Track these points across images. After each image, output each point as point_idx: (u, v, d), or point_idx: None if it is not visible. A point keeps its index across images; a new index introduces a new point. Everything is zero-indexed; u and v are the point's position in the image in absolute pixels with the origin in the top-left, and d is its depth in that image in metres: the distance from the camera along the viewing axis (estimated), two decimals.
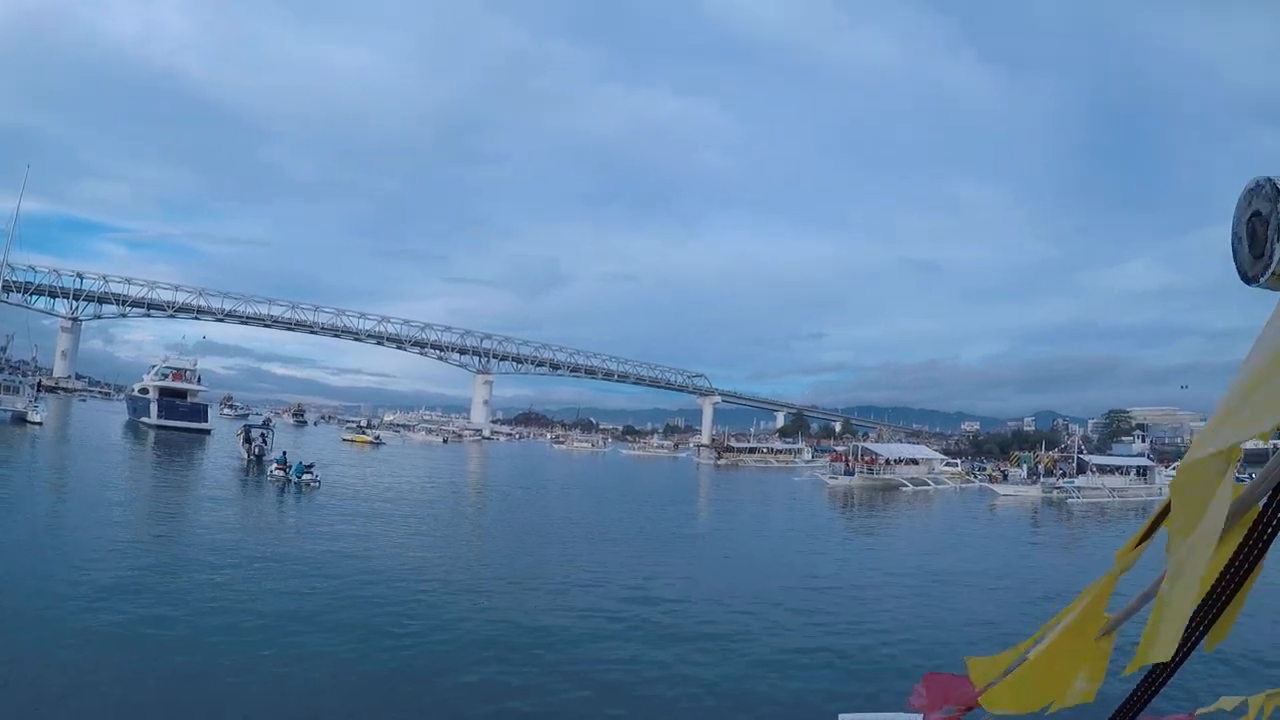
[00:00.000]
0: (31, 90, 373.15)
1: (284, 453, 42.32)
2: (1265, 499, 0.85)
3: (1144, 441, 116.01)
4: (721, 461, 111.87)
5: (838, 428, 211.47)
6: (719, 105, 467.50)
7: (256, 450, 45.83)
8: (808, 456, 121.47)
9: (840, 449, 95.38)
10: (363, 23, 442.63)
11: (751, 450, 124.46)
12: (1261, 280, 0.87)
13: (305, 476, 37.55)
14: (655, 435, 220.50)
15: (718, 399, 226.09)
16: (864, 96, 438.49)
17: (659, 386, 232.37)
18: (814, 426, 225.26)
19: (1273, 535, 0.86)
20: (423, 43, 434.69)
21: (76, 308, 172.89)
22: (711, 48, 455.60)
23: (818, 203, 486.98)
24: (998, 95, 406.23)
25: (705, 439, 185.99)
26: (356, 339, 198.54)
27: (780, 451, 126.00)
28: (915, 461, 76.97)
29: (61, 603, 14.10)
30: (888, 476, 69.92)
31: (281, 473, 38.37)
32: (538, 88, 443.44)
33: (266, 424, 72.10)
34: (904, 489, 65.74)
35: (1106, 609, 1.28)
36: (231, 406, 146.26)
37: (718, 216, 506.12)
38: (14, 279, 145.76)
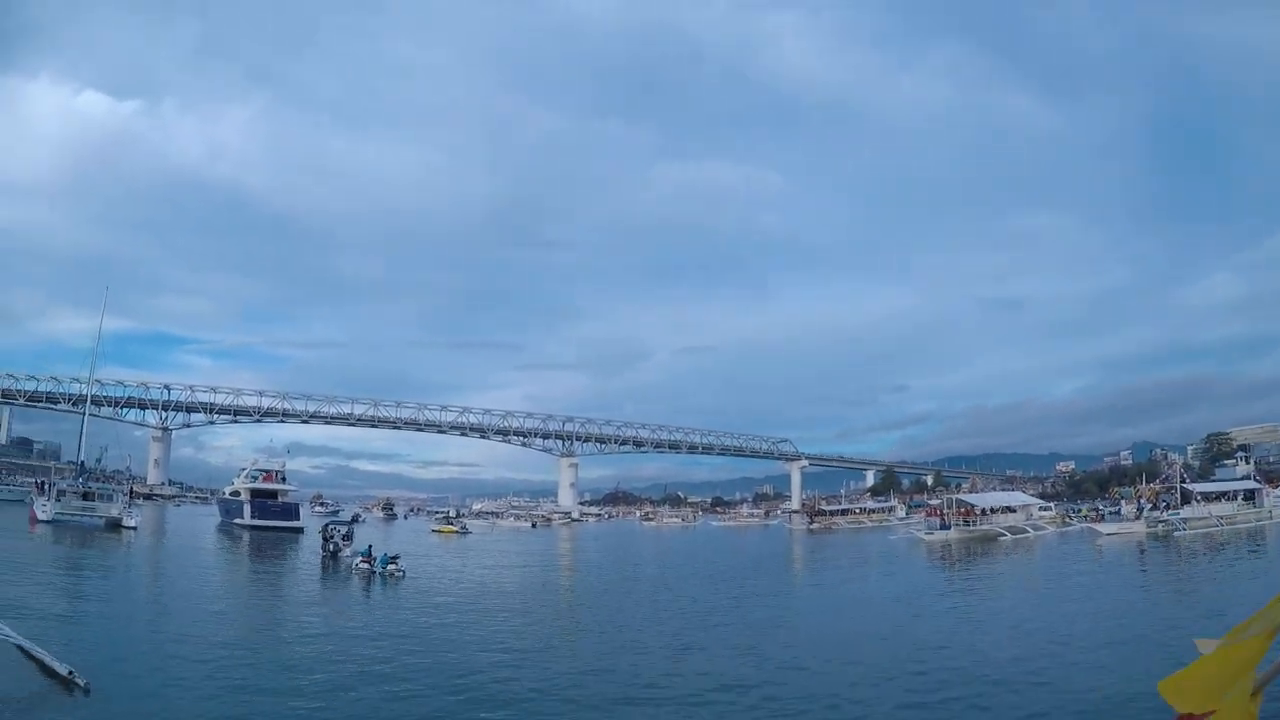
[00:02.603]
0: (108, 216, 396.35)
1: (369, 546, 43.36)
2: None
3: (1248, 463, 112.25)
4: (814, 526, 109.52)
5: (929, 481, 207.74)
6: (774, 168, 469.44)
7: (332, 547, 46.81)
8: (901, 514, 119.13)
9: (934, 503, 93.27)
10: (414, 125, 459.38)
11: (844, 512, 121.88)
12: None
13: (390, 567, 38.23)
14: (745, 505, 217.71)
15: (805, 463, 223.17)
16: (918, 140, 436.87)
17: (744, 455, 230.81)
18: (905, 482, 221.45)
19: None
20: (475, 136, 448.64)
21: (166, 418, 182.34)
22: (760, 112, 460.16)
23: (885, 253, 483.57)
24: (1054, 120, 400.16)
25: (795, 504, 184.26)
26: (440, 431, 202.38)
27: (873, 511, 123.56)
28: (1012, 509, 75.26)
29: (154, 698, 14.84)
30: (985, 527, 68.59)
31: (367, 565, 39.15)
32: (595, 170, 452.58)
33: (355, 519, 73.92)
34: (1003, 539, 64.40)
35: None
36: (322, 504, 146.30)
37: (787, 279, 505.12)
38: (104, 394, 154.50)
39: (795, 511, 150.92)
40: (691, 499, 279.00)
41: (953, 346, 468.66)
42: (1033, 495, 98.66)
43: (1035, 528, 71.42)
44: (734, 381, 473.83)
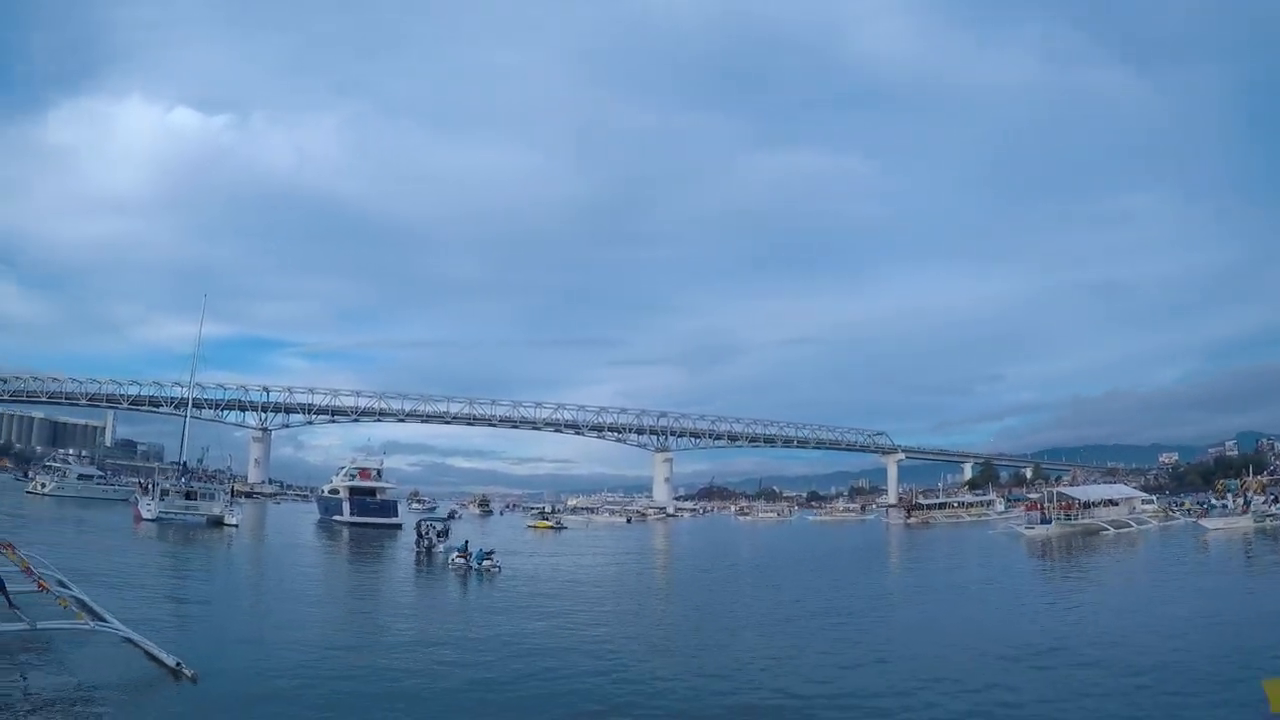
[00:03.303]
0: (205, 226, 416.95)
1: (465, 541, 44.02)
2: None
3: None
4: (911, 520, 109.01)
5: (1028, 474, 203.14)
6: (866, 154, 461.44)
7: (426, 543, 47.45)
8: (1000, 507, 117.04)
9: (1033, 496, 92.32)
10: (503, 127, 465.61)
11: (941, 506, 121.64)
12: None
13: (485, 563, 38.80)
14: (840, 499, 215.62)
15: (901, 456, 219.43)
16: (1009, 119, 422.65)
17: (840, 448, 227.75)
18: (1003, 475, 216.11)
19: None
20: (563, 136, 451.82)
21: (265, 419, 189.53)
22: (849, 97, 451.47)
23: (980, 237, 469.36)
24: (1151, 93, 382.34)
25: (892, 498, 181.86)
26: (535, 428, 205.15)
27: (971, 505, 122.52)
28: (1114, 502, 74.37)
29: (258, 688, 15.44)
30: (1086, 521, 67.82)
31: (463, 560, 39.58)
32: (685, 163, 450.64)
33: (452, 515, 75.89)
34: (1104, 533, 63.77)
35: None
36: (420, 501, 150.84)
37: (882, 267, 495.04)
38: (204, 397, 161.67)
39: (892, 506, 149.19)
40: (786, 493, 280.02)
41: (1050, 333, 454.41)
42: (1135, 488, 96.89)
43: (1138, 522, 70.53)
44: (829, 373, 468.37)
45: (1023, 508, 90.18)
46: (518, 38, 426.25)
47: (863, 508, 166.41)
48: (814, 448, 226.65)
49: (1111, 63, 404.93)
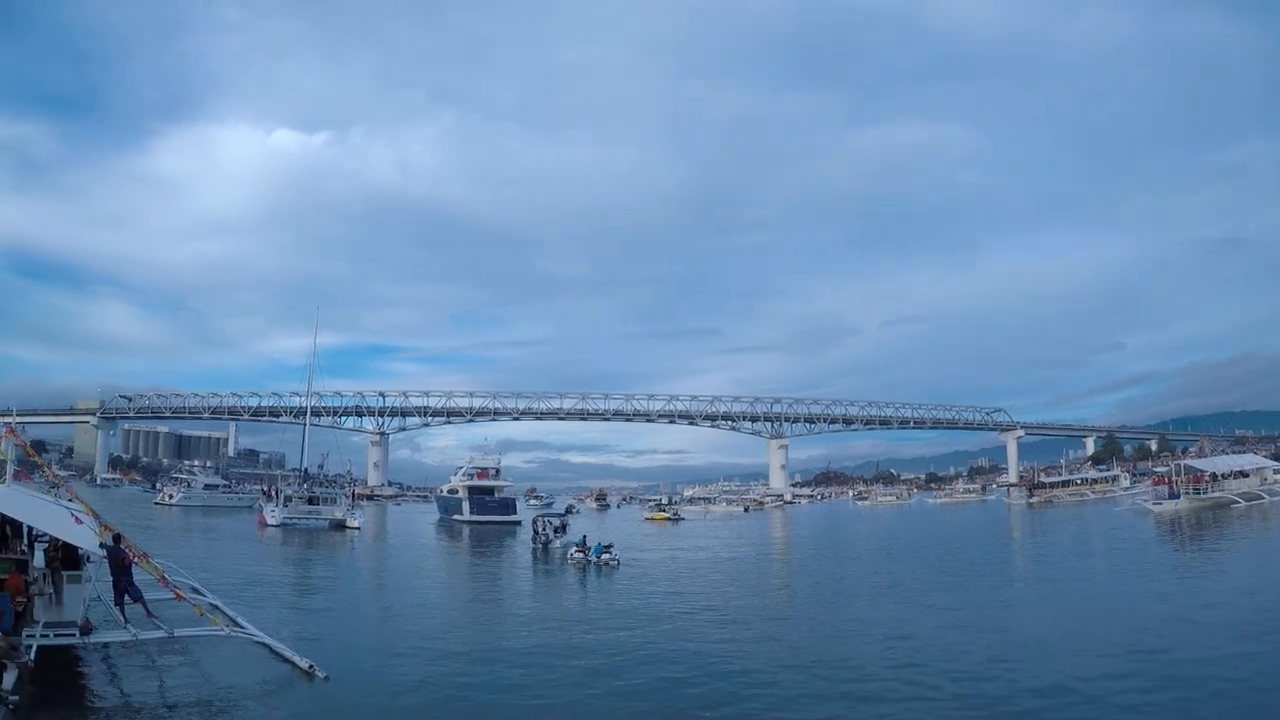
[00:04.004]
0: (313, 240, 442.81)
1: (583, 536, 44.49)
2: None
3: None
4: (1033, 500, 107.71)
5: (1153, 446, 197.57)
6: (966, 123, 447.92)
7: (543, 539, 48.09)
8: (1125, 483, 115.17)
9: (1160, 470, 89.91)
10: (598, 123, 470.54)
11: (1064, 483, 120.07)
12: None
13: (604, 556, 38.98)
14: (959, 480, 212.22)
15: (1020, 432, 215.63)
16: (1109, 76, 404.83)
17: (957, 427, 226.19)
18: (1127, 449, 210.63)
19: None
20: (659, 127, 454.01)
21: (382, 423, 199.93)
22: (944, 66, 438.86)
23: (1090, 202, 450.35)
24: (1253, 36, 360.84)
25: (1012, 477, 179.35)
26: (648, 420, 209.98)
27: (1095, 481, 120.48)
28: (1244, 473, 72.66)
29: (389, 688, 15.78)
30: (1216, 494, 66.93)
31: (581, 554, 40.08)
32: (782, 146, 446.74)
33: (570, 510, 77.99)
34: (1236, 506, 63.28)
35: None
36: (537, 497, 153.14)
37: (991, 238, 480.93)
38: (322, 405, 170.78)
39: (1013, 485, 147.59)
40: (904, 476, 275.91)
41: (1170, 297, 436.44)
42: (1266, 457, 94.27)
43: (1270, 493, 69.11)
44: (942, 350, 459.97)
45: (1149, 482, 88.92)
46: (603, 34, 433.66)
47: (983, 488, 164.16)
48: (930, 428, 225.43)
49: (1209, 8, 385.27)
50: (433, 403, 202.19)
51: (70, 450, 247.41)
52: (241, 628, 17.59)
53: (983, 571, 36.25)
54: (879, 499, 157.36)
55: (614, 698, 15.08)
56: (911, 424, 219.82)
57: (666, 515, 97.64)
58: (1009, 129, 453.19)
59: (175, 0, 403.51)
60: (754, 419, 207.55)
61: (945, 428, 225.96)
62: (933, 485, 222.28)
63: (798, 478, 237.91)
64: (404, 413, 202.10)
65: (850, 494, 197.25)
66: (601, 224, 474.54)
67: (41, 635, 14.49)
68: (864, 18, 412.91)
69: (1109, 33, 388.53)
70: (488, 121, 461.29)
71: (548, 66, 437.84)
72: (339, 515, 69.16)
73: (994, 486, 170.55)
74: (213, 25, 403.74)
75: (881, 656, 18.36)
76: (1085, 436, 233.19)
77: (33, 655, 13.32)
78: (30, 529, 17.98)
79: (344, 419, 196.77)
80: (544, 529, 49.87)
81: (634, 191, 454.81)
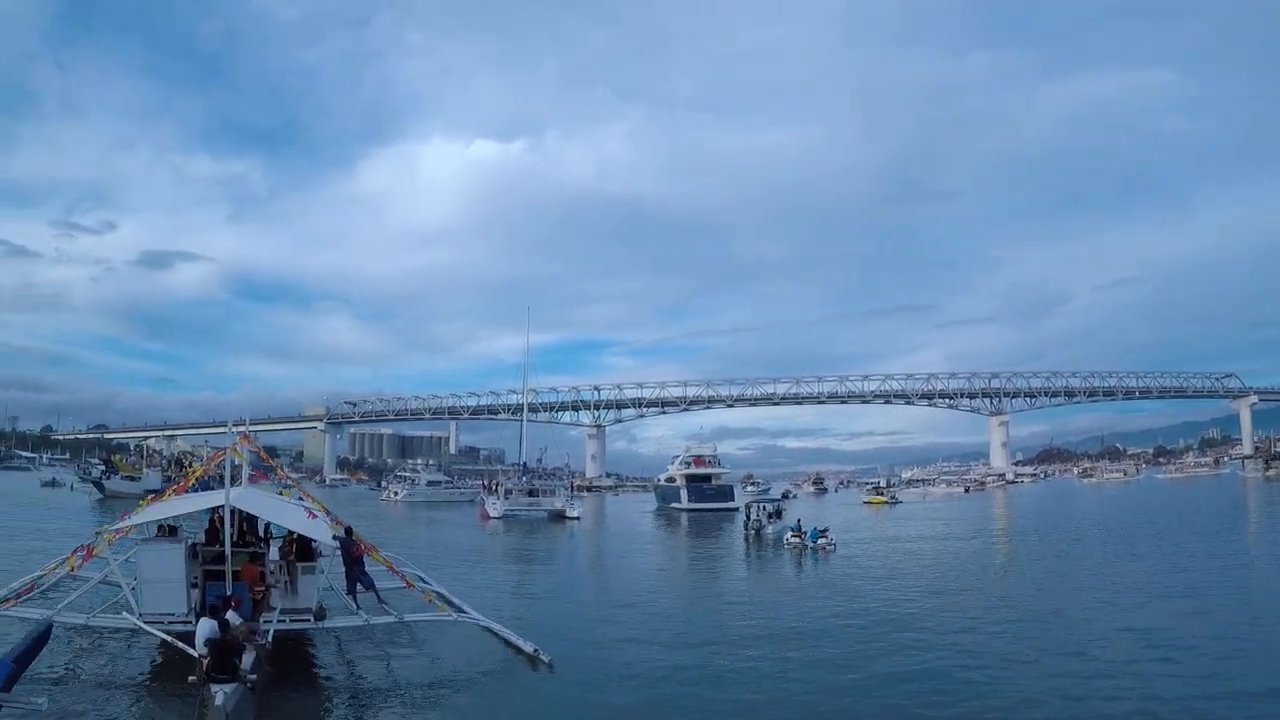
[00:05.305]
0: (520, 243, 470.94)
1: (799, 520, 44.53)
2: None
3: None
4: (1271, 473, 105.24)
5: None
6: (1166, 65, 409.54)
7: (756, 525, 47.90)
8: None
9: None
10: (784, 104, 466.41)
11: None
12: None
13: (820, 541, 38.67)
14: (1190, 452, 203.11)
15: (1254, 399, 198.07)
16: None
17: (1185, 396, 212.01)
18: None
19: None
20: (845, 102, 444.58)
21: (597, 416, 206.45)
22: (1138, 6, 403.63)
23: None
24: None
25: (1247, 448, 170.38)
26: (864, 401, 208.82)
27: None
28: None
29: (612, 673, 15.83)
30: None
31: (797, 539, 39.96)
32: (973, 108, 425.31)
33: (786, 496, 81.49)
34: None
35: None
36: (753, 484, 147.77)
37: (1203, 187, 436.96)
38: (538, 401, 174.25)
39: (1248, 457, 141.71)
40: (1131, 450, 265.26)
41: None
42: None
43: None
44: (1165, 313, 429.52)
45: None
46: (777, 13, 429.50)
47: (1216, 461, 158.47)
48: (1156, 397, 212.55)
49: None
50: (646, 394, 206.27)
51: (300, 454, 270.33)
52: (467, 613, 17.85)
53: (1217, 552, 34.68)
54: (1105, 475, 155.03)
55: (829, 695, 14.31)
56: (1136, 394, 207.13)
57: (884, 499, 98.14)
58: (1215, 65, 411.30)
59: (362, 34, 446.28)
60: (971, 395, 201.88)
61: (1172, 397, 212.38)
62: (1161, 459, 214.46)
63: (1019, 456, 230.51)
64: (619, 405, 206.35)
65: (1075, 471, 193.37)
66: (795, 205, 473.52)
67: (278, 621, 15.45)
68: None
69: None
70: (673, 113, 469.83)
71: (726, 52, 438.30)
72: (558, 506, 71.83)
73: (1228, 459, 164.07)
74: (401, 51, 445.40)
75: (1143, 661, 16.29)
76: None
77: (269, 639, 14.07)
78: (266, 525, 18.95)
79: (560, 414, 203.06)
80: (757, 514, 50.01)
81: (825, 169, 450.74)
